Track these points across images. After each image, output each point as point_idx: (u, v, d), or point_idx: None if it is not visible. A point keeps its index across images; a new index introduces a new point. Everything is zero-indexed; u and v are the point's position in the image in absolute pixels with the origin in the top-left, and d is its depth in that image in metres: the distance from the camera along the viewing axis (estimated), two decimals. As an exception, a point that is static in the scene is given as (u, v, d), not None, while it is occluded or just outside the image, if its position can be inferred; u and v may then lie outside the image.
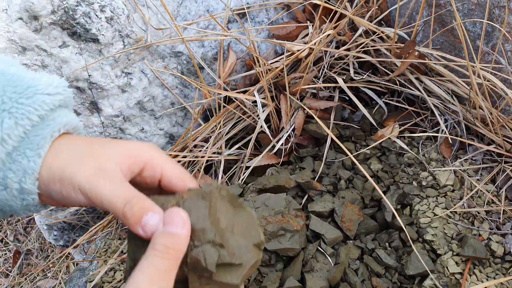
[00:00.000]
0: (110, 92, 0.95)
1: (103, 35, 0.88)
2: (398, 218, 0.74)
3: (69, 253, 1.95)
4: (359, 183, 0.88)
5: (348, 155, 0.92)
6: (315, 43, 0.94)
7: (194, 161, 1.03)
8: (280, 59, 0.99)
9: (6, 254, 2.16)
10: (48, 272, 1.96)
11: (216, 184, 0.42)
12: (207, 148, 1.01)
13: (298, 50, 0.94)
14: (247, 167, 0.98)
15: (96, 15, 0.87)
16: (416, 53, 0.91)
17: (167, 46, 0.98)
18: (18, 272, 2.09)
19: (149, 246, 0.36)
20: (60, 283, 1.43)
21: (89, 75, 0.92)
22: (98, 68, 0.92)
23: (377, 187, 0.77)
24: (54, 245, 2.08)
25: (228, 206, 0.41)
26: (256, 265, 0.41)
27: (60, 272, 1.69)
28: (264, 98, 0.97)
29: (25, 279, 2.05)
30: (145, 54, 0.97)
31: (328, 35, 0.93)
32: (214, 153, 1.01)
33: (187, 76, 1.02)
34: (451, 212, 0.79)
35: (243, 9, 1.01)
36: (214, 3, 1.02)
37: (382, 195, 0.80)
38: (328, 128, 0.95)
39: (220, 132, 1.01)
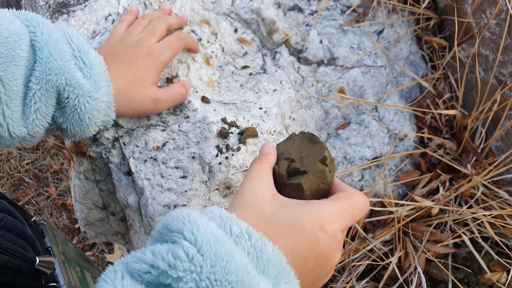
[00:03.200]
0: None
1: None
2: None
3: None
4: (484, 333, 1.04)
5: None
6: (442, 199, 1.09)
7: None
8: (406, 206, 1.14)
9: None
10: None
11: (302, 131, 0.63)
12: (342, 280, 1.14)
13: (427, 206, 1.09)
14: (376, 302, 1.12)
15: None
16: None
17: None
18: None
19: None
20: None
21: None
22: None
23: None
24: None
25: (307, 142, 0.60)
26: (320, 174, 0.56)
27: None
28: (391, 244, 1.12)
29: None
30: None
31: (456, 195, 1.08)
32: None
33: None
34: None
35: (376, 157, 1.15)
36: (351, 151, 1.15)
37: None
38: (448, 271, 1.11)
39: (349, 267, 1.15)
